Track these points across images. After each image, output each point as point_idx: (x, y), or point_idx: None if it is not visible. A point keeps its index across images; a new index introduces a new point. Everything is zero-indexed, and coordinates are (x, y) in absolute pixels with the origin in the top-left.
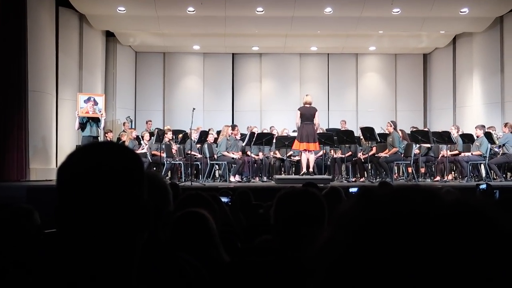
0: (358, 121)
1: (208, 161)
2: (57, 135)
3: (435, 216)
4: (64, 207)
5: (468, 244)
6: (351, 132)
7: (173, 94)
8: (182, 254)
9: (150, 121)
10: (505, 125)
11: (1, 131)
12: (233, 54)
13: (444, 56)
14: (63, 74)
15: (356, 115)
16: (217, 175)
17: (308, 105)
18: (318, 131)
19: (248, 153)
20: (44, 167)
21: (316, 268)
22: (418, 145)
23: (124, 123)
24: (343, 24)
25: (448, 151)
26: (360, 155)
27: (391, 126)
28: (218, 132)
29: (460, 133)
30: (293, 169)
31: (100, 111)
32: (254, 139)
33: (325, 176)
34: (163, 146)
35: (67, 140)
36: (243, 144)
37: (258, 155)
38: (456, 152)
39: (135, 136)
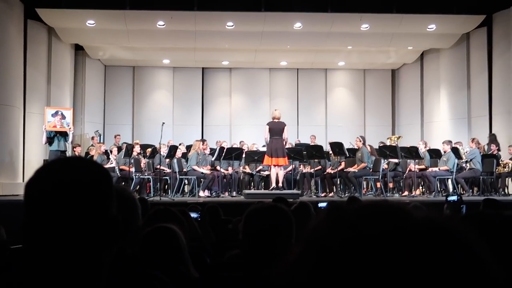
0: (327, 136)
1: (178, 175)
2: (24, 149)
3: (402, 235)
4: (31, 223)
5: (434, 262)
6: (320, 147)
7: (143, 108)
8: (151, 269)
9: (119, 135)
10: (472, 140)
11: None
12: (203, 68)
13: (412, 72)
14: (31, 87)
15: (325, 130)
16: (186, 190)
17: (277, 120)
18: (286, 146)
19: (218, 168)
20: (11, 182)
21: (283, 286)
22: (386, 160)
23: (93, 137)
24: (312, 39)
25: (416, 166)
26: (329, 170)
27: (360, 141)
28: (188, 147)
29: (427, 148)
30: (263, 183)
31: (68, 125)
32: (223, 154)
33: (295, 191)
34: (132, 161)
35: (35, 155)
36: (213, 159)
37: (227, 170)
38: (424, 167)
39: (104, 151)
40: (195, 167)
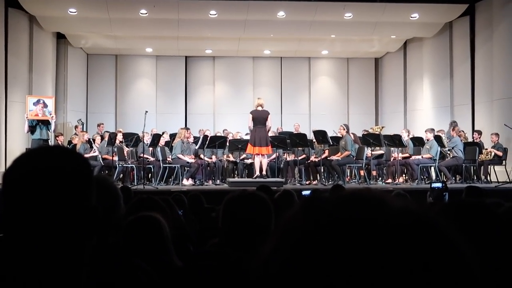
0: (311, 124)
1: (161, 164)
2: (6, 138)
3: (376, 223)
4: (10, 212)
5: (408, 253)
6: (304, 135)
7: (126, 97)
8: (133, 259)
9: (102, 124)
10: (453, 129)
11: None
12: (186, 57)
13: (395, 61)
14: (12, 76)
15: (309, 119)
16: (170, 178)
17: (260, 109)
18: (270, 134)
19: (201, 156)
20: None
21: (259, 276)
22: (371, 148)
23: (76, 126)
24: (296, 28)
25: (399, 154)
26: (313, 158)
27: (344, 129)
28: (172, 135)
29: (410, 136)
30: (246, 171)
31: (50, 114)
32: (207, 142)
33: (278, 179)
34: (115, 149)
35: (17, 143)
36: (196, 147)
37: (211, 158)
38: (407, 155)
39: (87, 139)
40: (180, 156)
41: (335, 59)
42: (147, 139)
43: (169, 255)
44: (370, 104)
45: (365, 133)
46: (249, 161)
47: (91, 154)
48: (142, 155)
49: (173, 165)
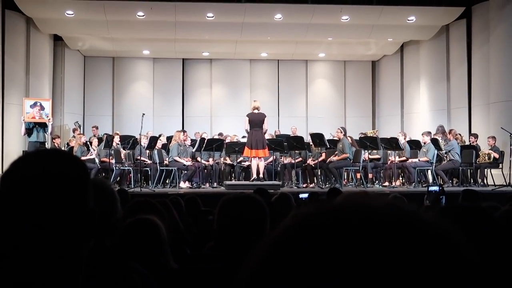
0: (308, 127)
1: (158, 167)
2: (3, 140)
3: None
4: (7, 215)
5: (397, 253)
6: (301, 138)
7: (123, 99)
8: (130, 261)
9: (96, 126)
10: (450, 132)
11: None
12: (183, 59)
13: (392, 63)
14: (9, 78)
15: (306, 121)
16: (167, 181)
17: (256, 111)
18: (266, 136)
19: (198, 159)
20: None
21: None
22: (368, 151)
23: (74, 129)
24: (293, 30)
25: (396, 157)
26: (310, 161)
27: (341, 132)
28: (168, 138)
29: (407, 139)
30: (243, 174)
31: (47, 116)
32: (204, 145)
33: (275, 182)
34: (112, 152)
35: (14, 146)
36: (193, 150)
37: (208, 161)
38: (404, 158)
39: (84, 142)
40: (177, 158)
41: (332, 61)
42: (144, 142)
43: (166, 257)
44: (367, 107)
45: (362, 136)
46: (246, 163)
47: (88, 156)
48: (139, 157)
49: (170, 168)
